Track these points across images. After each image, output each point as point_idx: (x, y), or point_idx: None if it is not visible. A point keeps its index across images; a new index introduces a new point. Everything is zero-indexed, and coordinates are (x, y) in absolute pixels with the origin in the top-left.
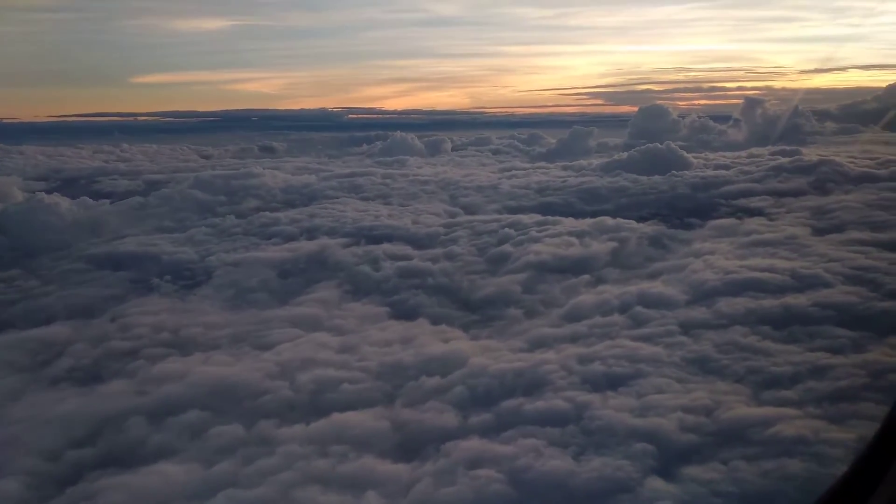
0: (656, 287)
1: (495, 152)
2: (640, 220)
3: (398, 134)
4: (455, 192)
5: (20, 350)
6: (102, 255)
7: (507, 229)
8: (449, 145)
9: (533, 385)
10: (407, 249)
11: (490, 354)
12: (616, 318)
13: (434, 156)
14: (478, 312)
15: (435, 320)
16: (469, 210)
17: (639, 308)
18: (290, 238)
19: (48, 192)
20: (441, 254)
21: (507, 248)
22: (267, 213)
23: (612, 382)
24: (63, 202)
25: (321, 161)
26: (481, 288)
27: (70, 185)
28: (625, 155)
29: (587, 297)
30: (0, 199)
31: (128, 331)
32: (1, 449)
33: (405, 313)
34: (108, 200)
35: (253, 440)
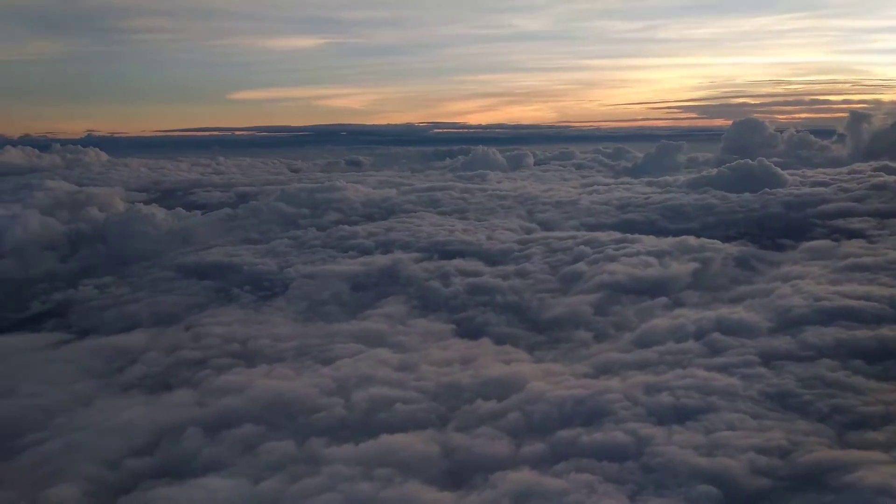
0: (737, 313)
1: (578, 167)
2: (727, 239)
3: (480, 148)
4: (533, 208)
5: (99, 356)
6: (190, 265)
7: (582, 247)
8: (531, 160)
9: (593, 414)
10: (479, 265)
11: (552, 379)
12: (691, 344)
13: (516, 170)
14: (545, 333)
15: (499, 340)
16: (546, 226)
17: (716, 335)
18: (366, 251)
19: (147, 202)
20: (512, 271)
21: (580, 266)
22: (346, 227)
23: (679, 415)
24: (159, 213)
25: (404, 175)
26: (550, 308)
27: (168, 196)
28: (714, 171)
29: (661, 322)
30: (103, 209)
31: (200, 340)
32: (64, 454)
33: (470, 331)
34: (199, 211)
35: (302, 458)
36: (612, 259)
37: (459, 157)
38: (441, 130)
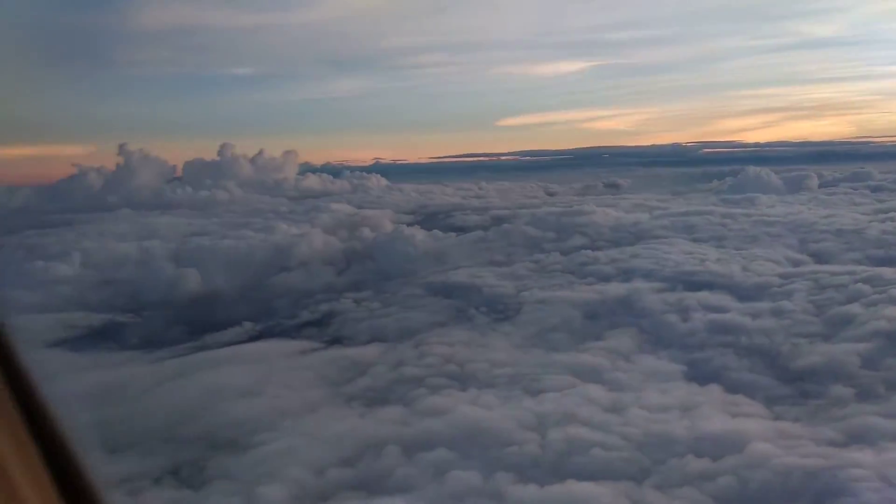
0: None
1: (875, 189)
2: None
3: (751, 169)
4: (806, 237)
5: (335, 366)
6: (438, 284)
7: (860, 285)
8: (815, 181)
9: (827, 492)
10: (727, 300)
11: (785, 442)
12: None
13: (794, 193)
14: (792, 385)
15: (733, 388)
16: (819, 258)
17: None
18: (605, 278)
19: (412, 224)
20: (767, 309)
21: (854, 308)
22: (588, 252)
23: None
24: (419, 234)
25: (662, 198)
26: (805, 355)
27: (431, 218)
28: None
29: None
30: (374, 230)
31: (423, 358)
32: (282, 456)
33: (702, 375)
34: (455, 233)
35: (486, 492)
36: None
37: (728, 178)
38: (712, 150)
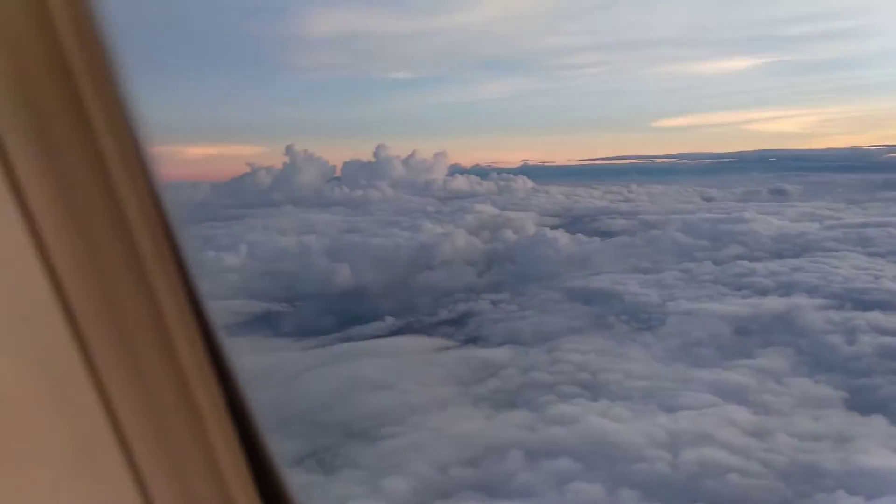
0: None
1: None
2: None
3: None
4: None
5: (468, 365)
6: (578, 289)
7: None
8: None
9: None
10: None
11: None
12: None
13: None
14: None
15: None
16: None
17: None
18: (762, 292)
19: (557, 227)
20: None
21: None
22: (745, 263)
23: None
24: (562, 237)
25: (836, 207)
26: None
27: (576, 221)
28: None
29: None
30: (517, 232)
31: (555, 364)
32: (409, 450)
33: (866, 404)
34: (599, 238)
35: None
36: None
37: None
38: None
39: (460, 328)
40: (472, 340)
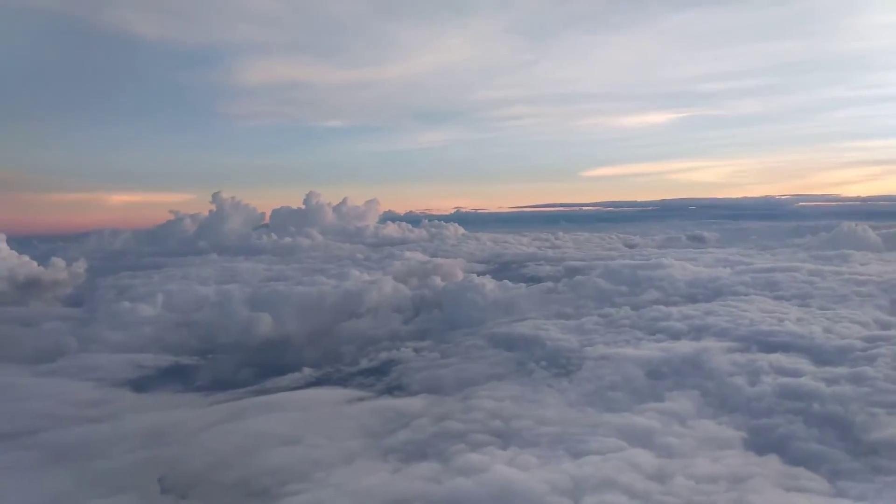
0: None
1: None
2: None
3: (846, 224)
4: None
5: (380, 416)
6: (501, 335)
7: None
8: None
9: None
10: (803, 364)
11: None
12: None
13: (893, 251)
14: (863, 459)
15: (796, 459)
16: None
17: None
18: (676, 335)
19: (484, 273)
20: (845, 374)
21: None
22: (661, 308)
23: None
24: (489, 283)
25: (748, 253)
26: (882, 427)
27: (504, 268)
28: None
29: None
30: (445, 278)
31: (469, 412)
32: None
33: (765, 444)
34: (525, 284)
35: None
36: None
37: (822, 234)
38: (808, 203)
39: (381, 377)
40: (391, 390)
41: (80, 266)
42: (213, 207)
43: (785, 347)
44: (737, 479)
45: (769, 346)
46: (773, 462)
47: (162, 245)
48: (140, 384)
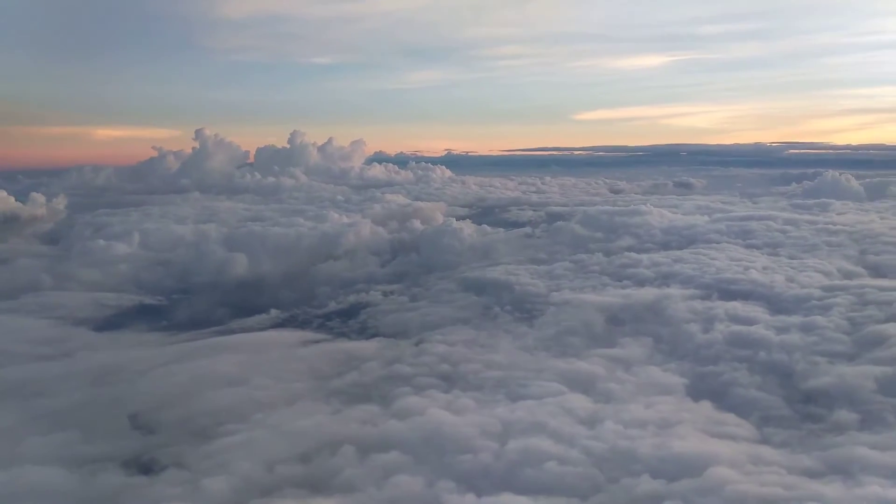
0: None
1: None
2: None
3: (829, 173)
4: (869, 248)
5: (331, 359)
6: (472, 279)
7: None
8: None
9: None
10: (759, 312)
11: (752, 467)
12: None
13: (873, 200)
14: (796, 407)
15: (733, 406)
16: (876, 272)
17: None
18: (643, 282)
19: (465, 218)
20: (797, 323)
21: (890, 328)
22: (632, 254)
23: None
24: (467, 228)
25: (731, 201)
26: (820, 375)
27: (486, 212)
28: None
29: None
30: (425, 222)
31: (420, 356)
32: (239, 448)
33: (704, 390)
34: (503, 229)
35: (424, 498)
36: None
37: (806, 182)
38: (797, 151)
39: (347, 320)
40: (354, 332)
41: (60, 202)
42: (196, 145)
43: (745, 296)
44: (665, 425)
45: (730, 294)
46: (705, 408)
47: (144, 182)
48: (103, 323)
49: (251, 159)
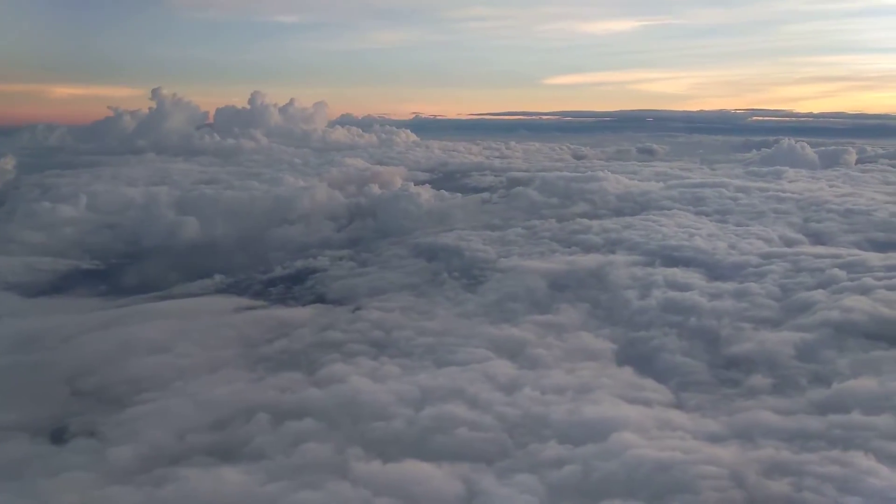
0: None
1: None
2: None
3: (785, 141)
4: (813, 216)
5: (262, 326)
6: (424, 245)
7: (836, 270)
8: (853, 157)
9: (671, 488)
10: (696, 279)
11: (658, 432)
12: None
13: (827, 168)
14: (716, 372)
15: (655, 371)
16: (816, 239)
17: None
18: (591, 249)
19: (424, 183)
20: (731, 289)
21: (817, 294)
22: (584, 221)
23: None
24: (425, 193)
25: (690, 167)
26: (743, 341)
27: (447, 178)
28: None
29: (870, 383)
30: (383, 187)
31: (353, 323)
32: (151, 417)
33: (632, 356)
34: (460, 195)
35: (330, 465)
36: (867, 290)
37: (764, 149)
38: (761, 118)
39: (292, 286)
40: (296, 299)
41: (9, 163)
42: (153, 104)
43: (686, 262)
44: (584, 390)
45: (672, 261)
46: (625, 374)
47: (99, 143)
48: (37, 289)
49: (210, 120)
